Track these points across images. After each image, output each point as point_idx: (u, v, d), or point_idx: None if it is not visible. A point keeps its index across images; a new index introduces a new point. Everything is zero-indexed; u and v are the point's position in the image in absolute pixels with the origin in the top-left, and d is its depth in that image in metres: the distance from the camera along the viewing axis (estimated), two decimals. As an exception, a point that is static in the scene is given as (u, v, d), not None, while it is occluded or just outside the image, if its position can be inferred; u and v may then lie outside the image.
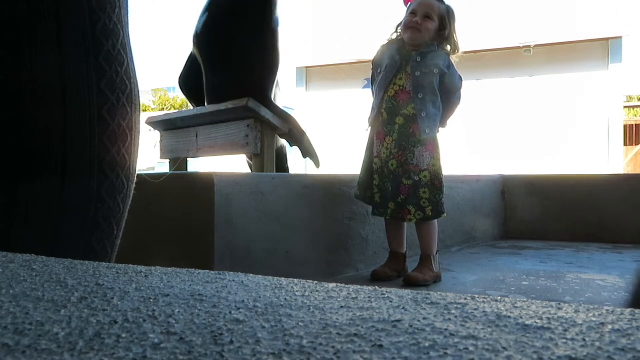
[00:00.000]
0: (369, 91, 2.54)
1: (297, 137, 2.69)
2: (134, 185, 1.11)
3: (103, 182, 1.02)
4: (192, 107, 3.03)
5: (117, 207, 1.05)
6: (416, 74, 2.19)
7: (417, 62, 2.21)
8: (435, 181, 2.18)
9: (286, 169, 3.05)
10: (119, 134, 1.04)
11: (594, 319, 0.43)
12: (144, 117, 3.70)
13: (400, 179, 2.17)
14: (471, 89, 4.97)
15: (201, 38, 2.72)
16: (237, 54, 2.62)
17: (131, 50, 1.11)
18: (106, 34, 1.02)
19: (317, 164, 2.78)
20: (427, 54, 2.23)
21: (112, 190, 1.03)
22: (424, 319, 0.44)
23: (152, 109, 21.46)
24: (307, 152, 2.73)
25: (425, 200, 2.16)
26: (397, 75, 2.22)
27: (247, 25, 2.60)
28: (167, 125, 3.06)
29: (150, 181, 2.09)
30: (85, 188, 1.00)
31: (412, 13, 2.25)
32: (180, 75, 3.01)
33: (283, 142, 2.98)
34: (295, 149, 2.82)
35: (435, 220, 2.23)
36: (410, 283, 2.10)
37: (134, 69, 1.11)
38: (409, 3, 2.33)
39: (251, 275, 0.64)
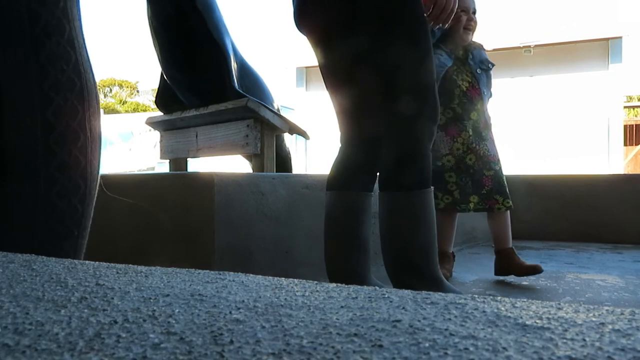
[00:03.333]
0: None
1: None
2: (96, 184, 1.08)
3: (53, 185, 0.99)
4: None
5: (74, 209, 1.02)
6: (477, 71, 2.30)
7: (472, 58, 2.31)
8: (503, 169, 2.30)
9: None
10: (68, 135, 1.00)
11: (593, 319, 0.43)
12: (144, 117, 3.69)
13: (481, 171, 2.23)
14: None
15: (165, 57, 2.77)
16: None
17: (82, 44, 1.05)
18: (48, 31, 0.98)
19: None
20: (473, 50, 2.32)
21: (65, 192, 1.00)
22: (424, 318, 0.43)
23: (152, 109, 21.43)
24: None
25: (507, 188, 2.24)
26: (463, 72, 2.29)
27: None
28: (167, 125, 3.06)
29: (147, 182, 2.09)
30: (30, 192, 0.97)
31: (462, 11, 2.23)
32: (156, 96, 3.07)
33: (288, 148, 2.99)
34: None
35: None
36: (537, 272, 2.13)
37: (88, 64, 1.05)
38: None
39: (251, 275, 0.64)
